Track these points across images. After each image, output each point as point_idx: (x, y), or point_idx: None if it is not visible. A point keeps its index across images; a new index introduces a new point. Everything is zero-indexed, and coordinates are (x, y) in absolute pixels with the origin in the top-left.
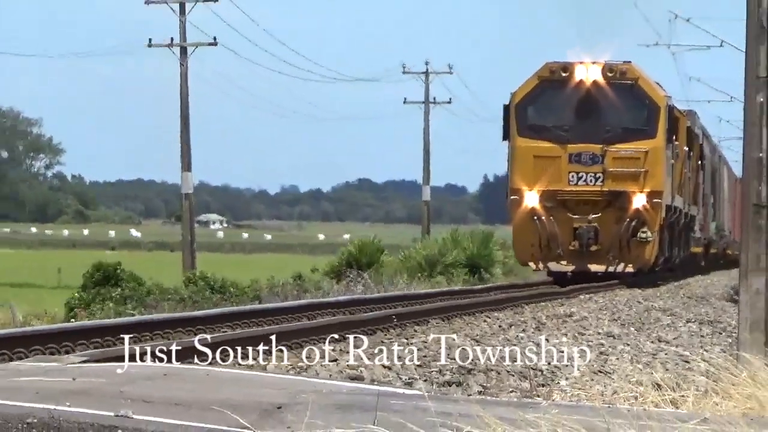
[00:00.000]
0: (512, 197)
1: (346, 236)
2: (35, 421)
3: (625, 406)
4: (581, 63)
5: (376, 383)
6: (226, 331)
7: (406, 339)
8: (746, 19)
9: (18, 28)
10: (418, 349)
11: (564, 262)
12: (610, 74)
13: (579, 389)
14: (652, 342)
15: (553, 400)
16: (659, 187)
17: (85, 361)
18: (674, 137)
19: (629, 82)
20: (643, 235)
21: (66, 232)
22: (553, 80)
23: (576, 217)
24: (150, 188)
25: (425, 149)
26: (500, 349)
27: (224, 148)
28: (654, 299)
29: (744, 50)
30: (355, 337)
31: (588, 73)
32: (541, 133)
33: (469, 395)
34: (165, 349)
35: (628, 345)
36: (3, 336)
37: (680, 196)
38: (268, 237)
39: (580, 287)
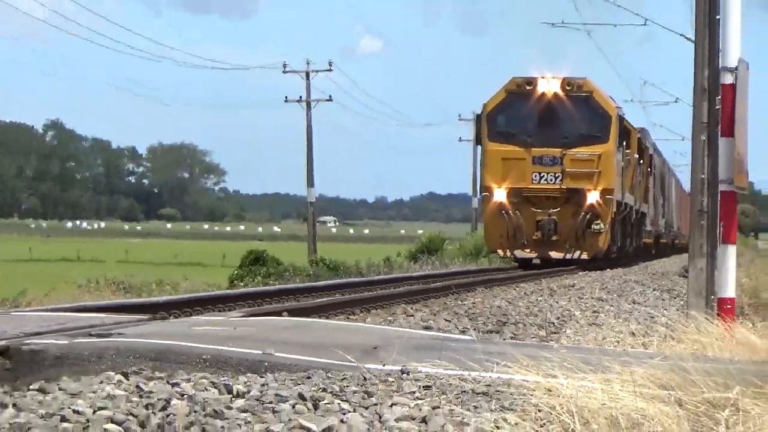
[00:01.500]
0: (483, 194)
1: (420, 231)
2: (208, 357)
3: (611, 348)
4: (543, 77)
5: (440, 331)
6: (339, 296)
7: (461, 301)
8: (693, 85)
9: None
10: (468, 308)
11: (528, 250)
12: (568, 87)
13: (579, 336)
14: (629, 304)
15: (561, 344)
16: (611, 185)
17: (242, 316)
18: (625, 144)
19: (585, 94)
20: (597, 227)
21: (228, 229)
22: (518, 92)
23: (538, 211)
24: (286, 198)
25: (474, 173)
26: (525, 306)
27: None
28: (630, 275)
29: (692, 104)
30: (426, 299)
31: (549, 86)
32: (508, 139)
33: (504, 339)
34: (300, 306)
35: (612, 306)
36: (186, 299)
37: (631, 195)
38: (366, 231)
39: (582, 269)
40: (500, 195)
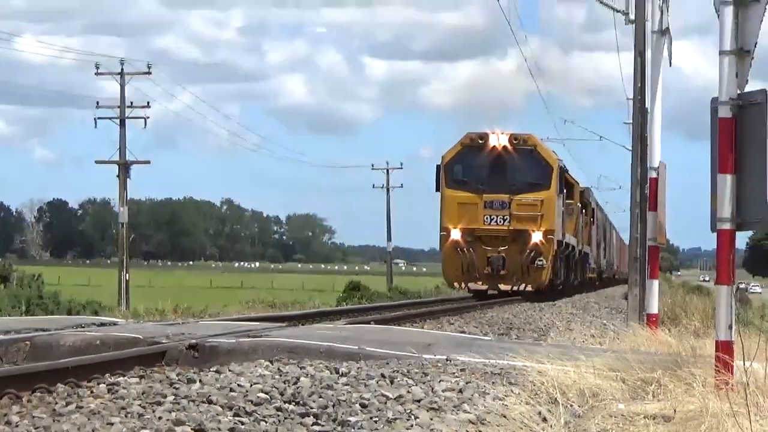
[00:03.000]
0: (442, 233)
1: None
2: (323, 350)
3: (579, 345)
4: (494, 133)
5: (471, 334)
6: (406, 311)
7: (483, 315)
8: (630, 177)
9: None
10: (488, 319)
11: (480, 283)
12: (515, 141)
13: (559, 337)
14: (590, 316)
15: (548, 342)
16: (552, 226)
17: (345, 324)
18: (566, 193)
19: (530, 147)
20: (539, 263)
21: (336, 267)
22: (472, 146)
23: (489, 248)
24: (374, 248)
25: None
26: (524, 318)
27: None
28: (590, 298)
29: (630, 190)
30: (463, 313)
31: (499, 141)
32: (463, 186)
33: (511, 339)
34: (382, 317)
35: (580, 318)
36: (310, 313)
37: (574, 237)
38: (424, 269)
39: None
40: (456, 234)
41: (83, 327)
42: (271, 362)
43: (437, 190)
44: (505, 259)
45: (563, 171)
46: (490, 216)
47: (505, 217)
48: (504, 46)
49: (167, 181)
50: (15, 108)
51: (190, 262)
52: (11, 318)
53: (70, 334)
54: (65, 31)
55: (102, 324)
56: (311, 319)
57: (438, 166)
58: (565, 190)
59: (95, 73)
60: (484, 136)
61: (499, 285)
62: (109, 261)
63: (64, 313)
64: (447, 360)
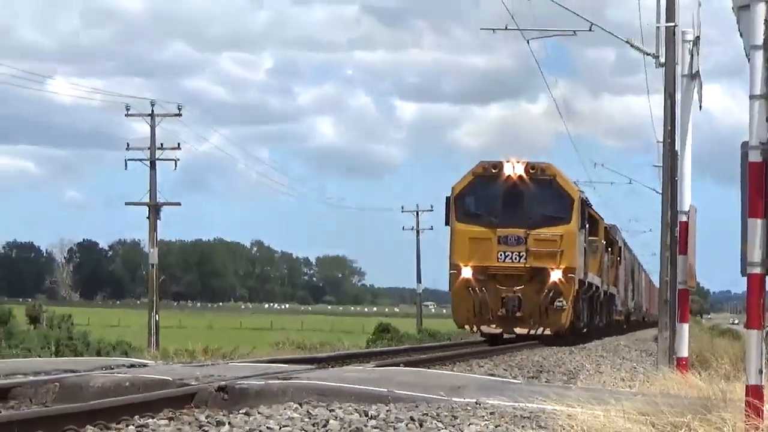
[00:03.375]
0: (452, 271)
1: None
2: (352, 392)
3: (609, 388)
4: (508, 161)
5: (500, 377)
6: (436, 353)
7: (513, 357)
8: (661, 221)
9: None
10: (518, 362)
11: (494, 326)
12: (532, 171)
13: (588, 380)
14: (619, 359)
15: (577, 385)
16: (573, 264)
17: (374, 366)
18: (588, 228)
19: (548, 177)
20: (559, 304)
21: (366, 309)
22: (485, 176)
23: (503, 288)
24: (403, 290)
25: None
26: (554, 360)
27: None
28: (620, 341)
29: (660, 233)
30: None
31: (514, 170)
32: (475, 219)
33: (540, 382)
34: (411, 360)
35: (610, 360)
36: (339, 355)
37: (598, 276)
38: None
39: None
40: (467, 272)
41: (112, 368)
42: (301, 405)
43: (447, 223)
44: (522, 299)
45: (585, 204)
46: (505, 252)
47: (521, 254)
48: (534, 89)
49: (197, 223)
50: (45, 149)
51: (220, 303)
52: (41, 359)
53: (100, 376)
54: (96, 73)
55: (131, 365)
56: (341, 361)
57: (448, 198)
58: (587, 225)
59: (126, 115)
60: (498, 165)
61: (515, 328)
62: (138, 302)
63: (93, 354)
64: (476, 403)
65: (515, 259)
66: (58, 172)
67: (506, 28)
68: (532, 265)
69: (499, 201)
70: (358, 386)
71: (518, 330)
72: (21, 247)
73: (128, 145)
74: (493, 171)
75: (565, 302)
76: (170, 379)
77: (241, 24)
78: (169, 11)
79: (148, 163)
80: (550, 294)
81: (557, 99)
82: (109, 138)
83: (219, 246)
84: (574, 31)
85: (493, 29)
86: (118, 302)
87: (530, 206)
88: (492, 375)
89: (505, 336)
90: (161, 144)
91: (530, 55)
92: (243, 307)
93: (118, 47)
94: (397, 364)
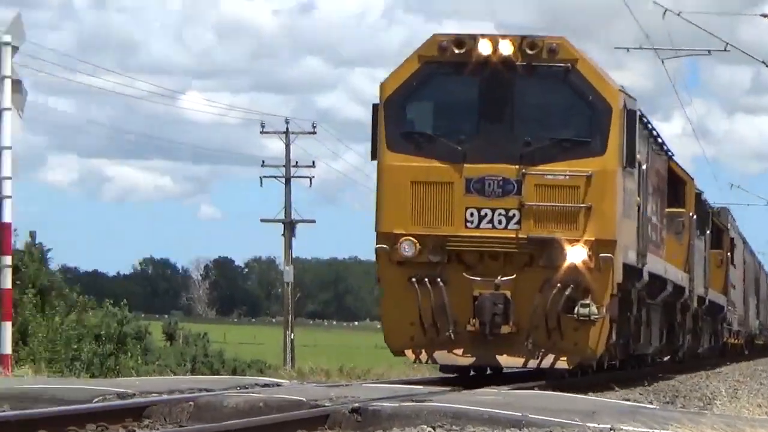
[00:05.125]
0: (379, 247)
1: None
2: (486, 416)
3: (744, 416)
4: (485, 36)
5: (635, 401)
6: (572, 379)
7: (648, 383)
8: None
9: None
10: (653, 387)
11: (459, 351)
12: (530, 51)
13: (723, 407)
14: (757, 384)
15: (712, 411)
16: (610, 232)
17: (509, 390)
18: (642, 167)
19: (562, 65)
20: (584, 310)
21: None
22: (442, 61)
23: (477, 279)
24: None
25: None
26: (690, 385)
27: None
28: (758, 365)
29: None
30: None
31: (497, 49)
32: (423, 146)
33: (675, 407)
34: (545, 383)
35: (747, 386)
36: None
37: (684, 272)
38: None
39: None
40: (407, 249)
41: (247, 388)
42: (434, 428)
43: (373, 157)
44: (511, 301)
45: (642, 124)
46: (480, 210)
47: (510, 213)
48: (667, 108)
49: (332, 240)
50: (181, 165)
51: (355, 323)
52: (177, 377)
53: (234, 395)
54: (231, 89)
55: (266, 385)
56: (476, 385)
57: (374, 108)
58: (657, 177)
59: (261, 132)
60: (465, 42)
61: (498, 356)
62: (274, 320)
63: (229, 372)
64: (611, 429)
65: (499, 222)
66: (193, 189)
67: (640, 48)
68: (531, 235)
69: (469, 110)
70: (492, 410)
71: (504, 359)
72: (157, 264)
73: (263, 162)
74: (457, 52)
75: (594, 307)
76: (304, 399)
77: (375, 40)
78: (302, 27)
79: (283, 180)
80: (566, 291)
81: (692, 119)
82: (243, 155)
83: (354, 265)
84: (709, 51)
85: (627, 48)
86: (253, 320)
87: (528, 120)
88: (626, 399)
89: (488, 370)
90: (296, 162)
91: (664, 74)
92: (378, 326)
93: (252, 63)
94: (531, 387)
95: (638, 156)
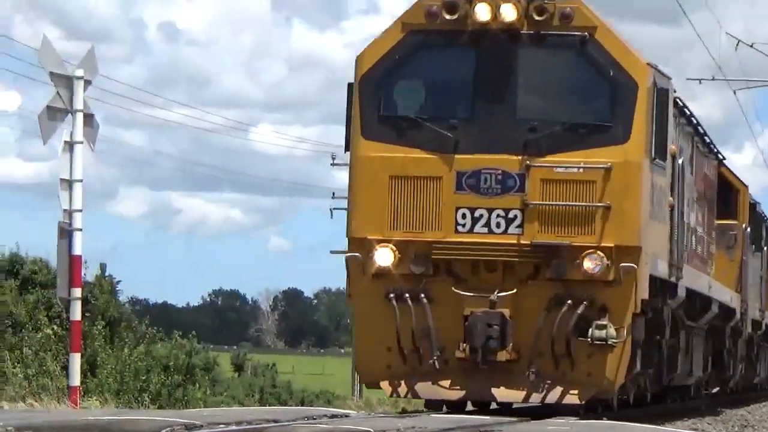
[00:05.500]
0: (350, 256)
1: None
2: None
3: None
4: (483, 0)
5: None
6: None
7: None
8: None
9: None
10: (721, 416)
11: (445, 383)
12: (539, 17)
13: None
14: None
15: None
16: (634, 238)
17: (575, 420)
18: (678, 162)
19: (578, 33)
20: (600, 333)
21: None
22: (431, 30)
23: (469, 295)
24: None
25: None
26: (759, 415)
27: None
28: None
29: None
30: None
31: (499, 17)
32: (404, 133)
33: None
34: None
35: None
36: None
37: (736, 292)
38: None
39: None
40: (384, 258)
41: (315, 419)
42: None
43: (347, 148)
44: (509, 321)
45: (678, 108)
46: (473, 210)
47: (511, 214)
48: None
49: None
50: (251, 197)
51: None
52: (244, 408)
53: (301, 427)
54: (302, 122)
55: (333, 416)
56: (545, 414)
57: (349, 86)
58: (704, 183)
59: (331, 164)
60: (458, 5)
61: (494, 389)
62: (343, 350)
63: (297, 403)
64: None
65: (497, 226)
66: (263, 220)
67: (713, 78)
68: (535, 241)
69: (463, 89)
70: None
71: (500, 393)
72: (227, 295)
73: (333, 194)
74: (448, 17)
75: (612, 329)
76: (371, 431)
77: None
78: None
79: None
80: (578, 309)
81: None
82: (313, 187)
83: None
84: None
85: (699, 79)
86: (322, 350)
87: (533, 101)
88: (695, 429)
89: (488, 405)
90: None
91: (736, 104)
92: None
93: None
94: (599, 418)
95: (672, 146)
